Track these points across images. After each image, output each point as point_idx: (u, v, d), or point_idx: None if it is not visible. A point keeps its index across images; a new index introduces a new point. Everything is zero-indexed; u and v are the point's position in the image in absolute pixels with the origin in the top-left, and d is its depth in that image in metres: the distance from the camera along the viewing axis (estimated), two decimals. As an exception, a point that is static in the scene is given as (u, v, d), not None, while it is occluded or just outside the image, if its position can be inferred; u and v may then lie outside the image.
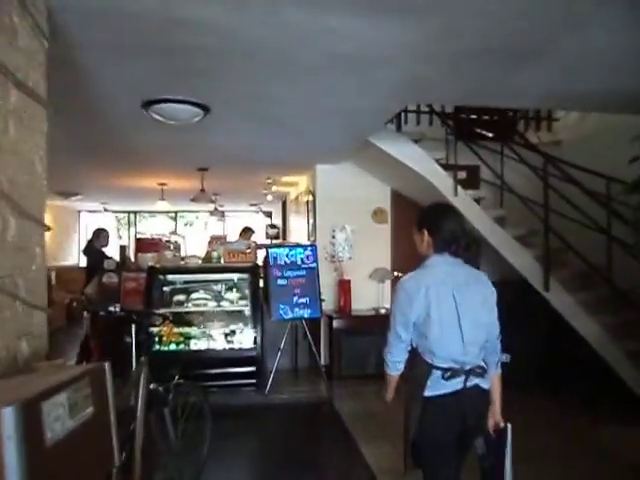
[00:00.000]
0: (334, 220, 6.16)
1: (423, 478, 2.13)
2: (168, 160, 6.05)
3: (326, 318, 5.85)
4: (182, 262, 5.68)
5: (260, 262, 5.73)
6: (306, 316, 5.29)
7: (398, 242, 6.45)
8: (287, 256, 5.39)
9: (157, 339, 4.95)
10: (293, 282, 5.32)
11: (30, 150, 1.96)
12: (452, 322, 2.02)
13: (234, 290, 5.47)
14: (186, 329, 5.14)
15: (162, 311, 5.20)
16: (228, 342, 5.13)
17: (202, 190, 6.45)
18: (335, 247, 6.09)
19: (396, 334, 2.08)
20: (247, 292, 5.36)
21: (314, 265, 5.45)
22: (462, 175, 5.30)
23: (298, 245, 5.80)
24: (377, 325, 5.98)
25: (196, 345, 5.07)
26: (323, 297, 5.49)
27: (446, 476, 2.09)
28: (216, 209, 9.65)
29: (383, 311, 6.07)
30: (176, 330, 5.06)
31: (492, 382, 2.16)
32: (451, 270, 2.10)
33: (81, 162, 6.31)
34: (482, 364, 2.10)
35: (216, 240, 6.00)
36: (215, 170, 6.49)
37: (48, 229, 2.06)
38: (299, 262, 5.42)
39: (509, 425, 2.16)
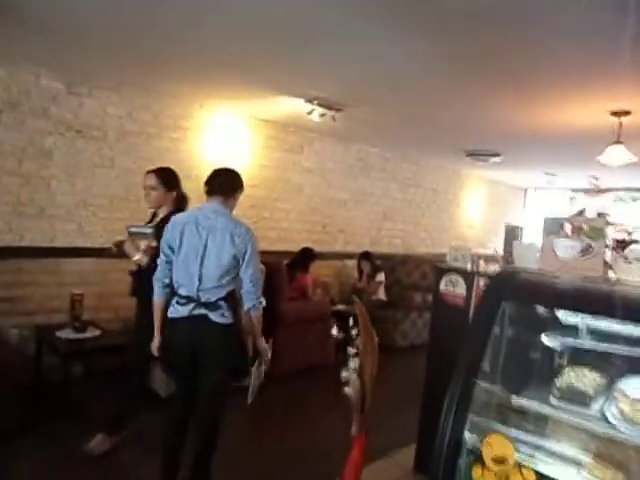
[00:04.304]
0: None
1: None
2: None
3: None
4: (598, 275, 2.20)
5: None
6: None
7: None
8: None
9: None
10: None
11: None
12: (194, 258, 2.46)
13: None
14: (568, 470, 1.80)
15: (523, 404, 2.00)
16: None
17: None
18: None
19: (163, 255, 2.55)
20: None
21: None
22: None
23: None
24: None
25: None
26: None
27: (178, 387, 2.63)
28: None
29: None
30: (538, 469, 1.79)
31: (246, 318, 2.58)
32: (205, 213, 2.53)
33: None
34: (213, 299, 2.45)
35: None
36: None
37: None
38: None
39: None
